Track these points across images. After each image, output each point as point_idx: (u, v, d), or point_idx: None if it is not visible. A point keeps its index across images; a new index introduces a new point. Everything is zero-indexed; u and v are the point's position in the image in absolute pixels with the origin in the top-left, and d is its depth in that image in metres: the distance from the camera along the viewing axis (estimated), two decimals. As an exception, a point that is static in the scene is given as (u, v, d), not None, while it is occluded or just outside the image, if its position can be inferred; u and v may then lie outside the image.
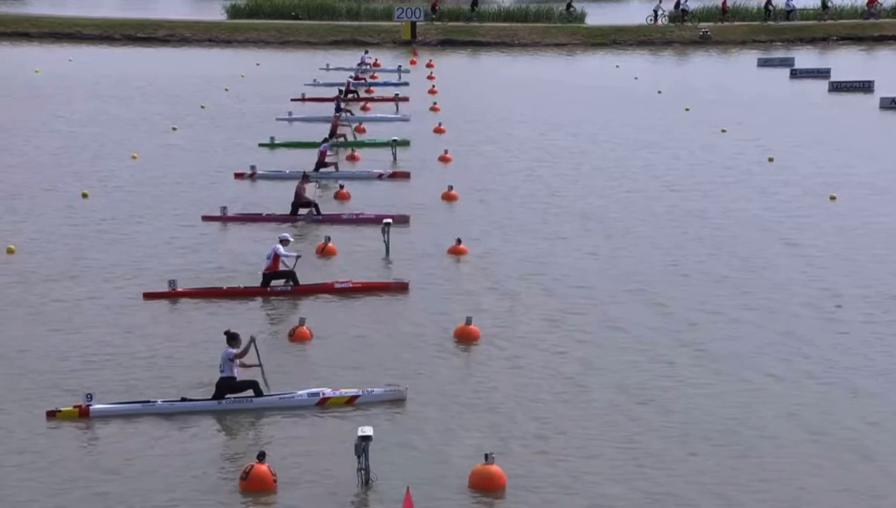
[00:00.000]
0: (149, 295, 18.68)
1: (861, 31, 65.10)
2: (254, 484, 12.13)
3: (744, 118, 38.62)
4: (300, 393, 14.38)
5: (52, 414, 13.94)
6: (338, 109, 37.56)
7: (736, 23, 65.96)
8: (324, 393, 14.36)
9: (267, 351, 16.27)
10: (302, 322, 16.88)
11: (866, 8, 67.42)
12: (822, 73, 50.24)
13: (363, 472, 12.17)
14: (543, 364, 15.97)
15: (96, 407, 13.96)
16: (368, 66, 50.23)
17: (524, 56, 59.69)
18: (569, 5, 67.99)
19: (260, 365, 14.52)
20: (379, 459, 12.44)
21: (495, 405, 14.51)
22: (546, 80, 49.03)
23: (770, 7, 66.88)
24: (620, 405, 14.55)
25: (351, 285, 19.07)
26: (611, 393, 14.94)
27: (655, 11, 66.41)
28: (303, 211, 23.93)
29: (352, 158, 31.13)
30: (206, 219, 23.84)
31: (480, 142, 34.20)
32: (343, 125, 33.60)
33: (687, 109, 40.59)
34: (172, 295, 18.62)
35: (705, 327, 17.54)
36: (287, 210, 24.12)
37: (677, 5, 66.48)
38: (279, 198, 25.29)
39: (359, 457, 12.15)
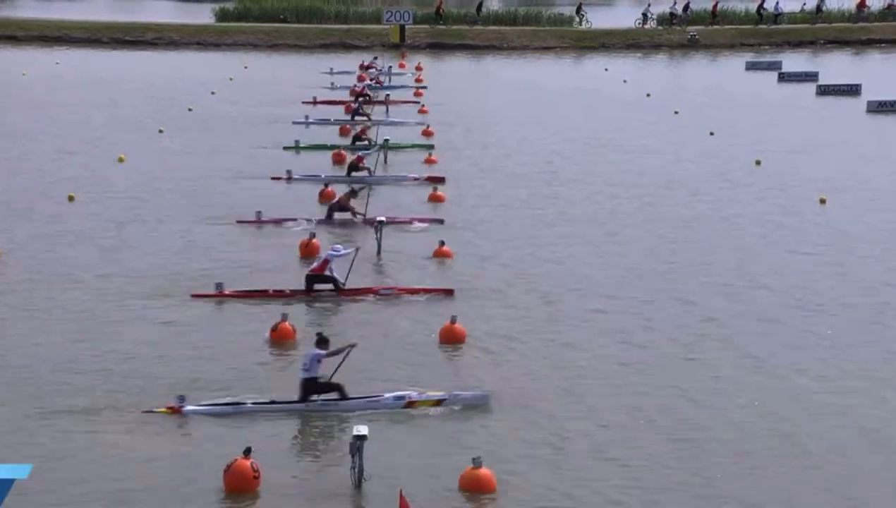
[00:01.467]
0: (196, 296, 18.68)
1: (849, 34, 65.28)
2: (234, 479, 12.06)
3: (732, 121, 38.67)
4: (387, 395, 14.39)
5: (147, 413, 14.09)
6: (356, 113, 37.71)
7: (726, 26, 66.05)
8: (410, 397, 14.38)
9: (253, 351, 16.22)
10: (284, 317, 16.81)
11: (856, 12, 67.53)
12: (810, 77, 50.36)
13: (356, 471, 12.12)
14: (539, 366, 15.90)
15: (188, 408, 14.08)
16: (376, 70, 50.24)
17: (513, 59, 59.71)
18: (579, 8, 67.69)
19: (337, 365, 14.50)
20: (376, 460, 12.39)
21: (490, 408, 14.42)
22: (536, 84, 49.03)
23: (763, 10, 67.01)
24: (616, 410, 14.46)
25: (395, 290, 19.01)
26: (607, 398, 14.86)
27: (644, 14, 66.49)
28: (338, 215, 23.96)
29: (338, 159, 31.01)
30: (240, 222, 23.78)
31: (469, 144, 34.17)
32: (367, 128, 33.81)
33: (676, 112, 40.63)
34: (219, 297, 18.62)
35: (704, 330, 17.46)
36: (311, 214, 24.24)
37: (686, 7, 66.48)
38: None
39: (353, 456, 12.11)
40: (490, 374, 15.60)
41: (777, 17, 67.12)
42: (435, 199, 26.14)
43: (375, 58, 52.99)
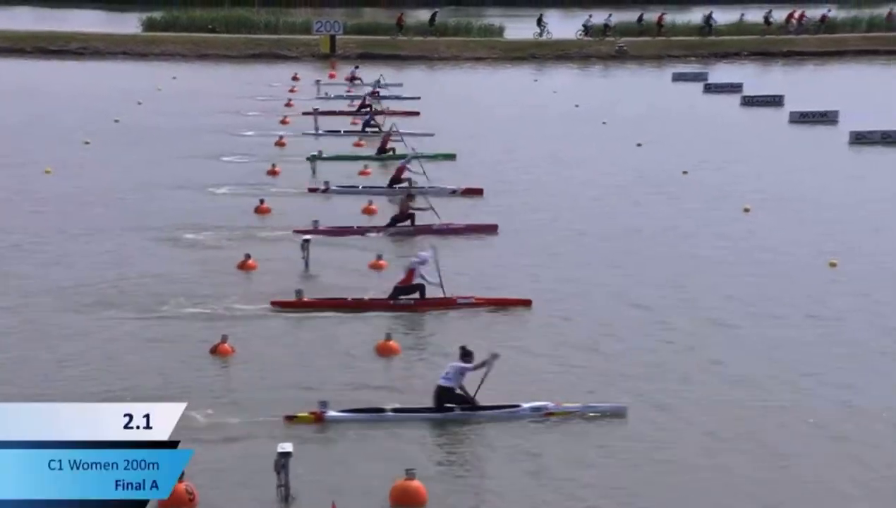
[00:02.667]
0: (276, 303, 18.80)
1: (772, 46, 66.58)
2: (172, 502, 11.97)
3: (659, 132, 39.27)
4: (525, 406, 14.54)
5: (290, 419, 14.20)
6: (367, 125, 37.97)
7: (673, 37, 66.83)
8: (548, 407, 14.54)
9: (186, 366, 16.08)
10: (224, 338, 16.74)
11: (792, 23, 68.46)
12: (735, 88, 51.28)
13: (283, 489, 12.11)
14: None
15: (330, 413, 14.16)
16: (360, 81, 50.51)
17: (444, 70, 59.93)
18: (540, 19, 68.07)
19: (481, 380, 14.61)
20: (302, 476, 12.39)
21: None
22: (466, 94, 49.24)
23: (711, 22, 68.07)
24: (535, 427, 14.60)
25: (474, 300, 19.10)
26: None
27: (585, 26, 67.11)
28: (401, 224, 24.35)
29: (273, 173, 30.81)
30: (297, 232, 23.65)
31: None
32: (393, 138, 33.87)
33: (604, 123, 41.13)
34: (299, 305, 18.70)
35: (639, 346, 17.68)
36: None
37: (640, 19, 67.27)
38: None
39: (278, 474, 12.09)
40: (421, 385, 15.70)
41: (701, 29, 68.19)
42: (369, 212, 26.17)
43: (356, 67, 52.98)
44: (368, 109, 41.14)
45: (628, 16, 71.11)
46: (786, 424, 14.65)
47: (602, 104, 46.28)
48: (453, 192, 28.36)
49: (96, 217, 25.43)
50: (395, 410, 14.47)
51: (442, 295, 18.96)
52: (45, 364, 16.21)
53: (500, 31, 69.04)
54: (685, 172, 31.75)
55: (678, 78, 56.18)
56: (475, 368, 14.52)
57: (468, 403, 14.45)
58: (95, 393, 15.05)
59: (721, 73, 58.10)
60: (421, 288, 19.02)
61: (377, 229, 24.25)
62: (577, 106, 45.58)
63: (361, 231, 24.13)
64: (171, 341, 17.20)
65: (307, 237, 21.66)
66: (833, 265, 22.20)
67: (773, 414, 14.93)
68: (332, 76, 54.61)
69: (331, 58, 61.43)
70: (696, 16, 70.32)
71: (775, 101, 47.15)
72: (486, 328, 18.07)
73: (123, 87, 48.48)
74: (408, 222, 24.31)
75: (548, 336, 17.85)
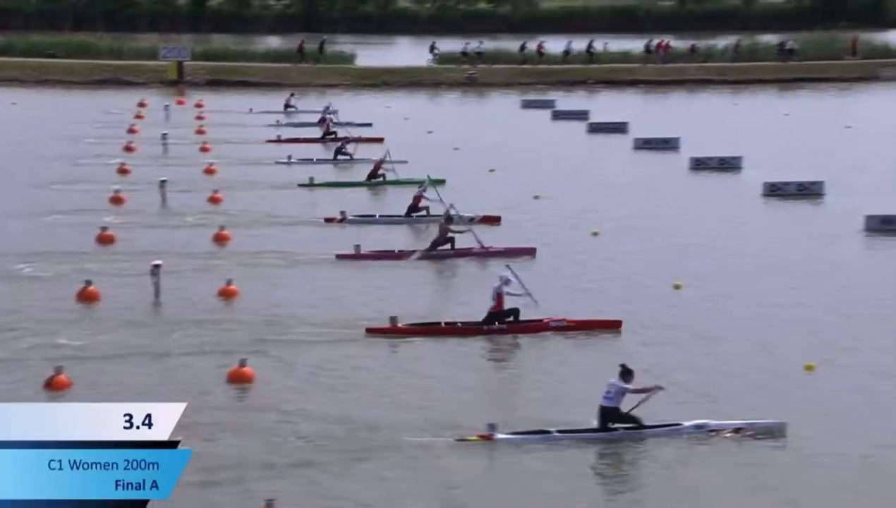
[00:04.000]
0: (371, 331, 18.71)
1: (615, 74, 68.60)
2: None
3: (510, 157, 39.91)
4: (686, 424, 14.64)
5: (460, 441, 14.72)
6: (339, 152, 37.86)
7: (567, 66, 68.00)
8: (709, 424, 14.68)
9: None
10: (58, 370, 16.13)
11: (659, 52, 70.50)
12: (581, 115, 52.54)
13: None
14: (332, 409, 15.92)
15: (499, 436, 14.29)
16: (295, 108, 50.29)
17: (297, 96, 59.44)
18: (433, 46, 68.20)
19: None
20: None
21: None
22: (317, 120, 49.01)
23: (591, 50, 69.56)
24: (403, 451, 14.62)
25: (566, 324, 19.19)
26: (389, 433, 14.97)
27: (465, 53, 67.93)
28: (441, 247, 24.53)
29: (116, 200, 29.88)
30: (340, 257, 23.68)
31: (252, 180, 33.82)
32: (386, 163, 33.75)
33: (456, 149, 41.57)
34: (394, 332, 18.62)
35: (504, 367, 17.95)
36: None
37: (522, 47, 68.24)
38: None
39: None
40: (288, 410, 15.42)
41: (566, 54, 69.71)
42: (220, 239, 25.77)
43: (292, 94, 52.49)
44: (334, 136, 41.00)
45: (495, 45, 72.07)
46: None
47: (454, 130, 46.76)
48: (472, 220, 27.96)
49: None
50: (561, 431, 14.73)
51: (534, 304, 19.40)
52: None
53: (352, 57, 69.12)
54: (536, 197, 32.35)
55: (527, 105, 57.25)
56: (635, 391, 14.75)
57: (633, 422, 14.67)
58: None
59: (568, 100, 59.51)
60: (515, 311, 19.21)
61: (417, 253, 24.50)
62: (430, 132, 45.95)
63: (402, 255, 24.43)
64: (3, 374, 16.49)
65: (157, 262, 21.15)
66: (678, 287, 22.91)
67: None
68: (180, 102, 53.62)
69: (179, 84, 60.36)
70: (558, 45, 71.55)
71: (620, 128, 48.51)
72: (578, 350, 18.36)
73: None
74: (447, 246, 24.62)
75: (646, 355, 18.12)
